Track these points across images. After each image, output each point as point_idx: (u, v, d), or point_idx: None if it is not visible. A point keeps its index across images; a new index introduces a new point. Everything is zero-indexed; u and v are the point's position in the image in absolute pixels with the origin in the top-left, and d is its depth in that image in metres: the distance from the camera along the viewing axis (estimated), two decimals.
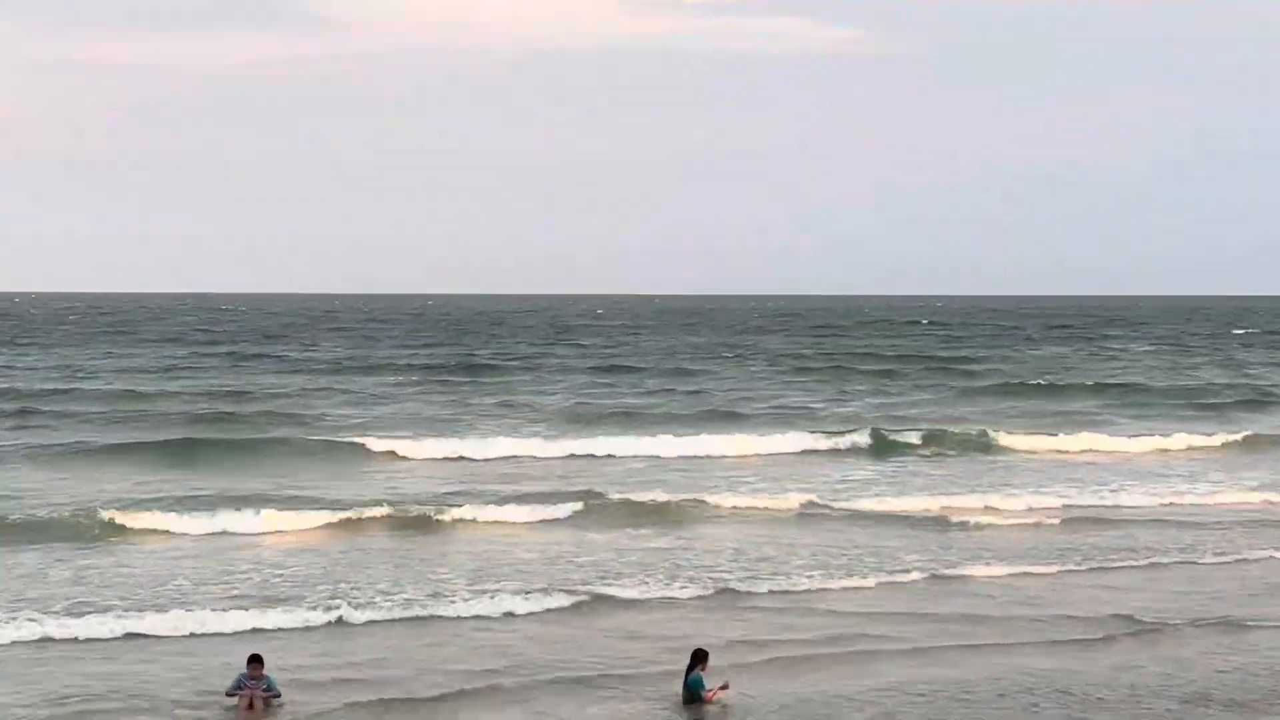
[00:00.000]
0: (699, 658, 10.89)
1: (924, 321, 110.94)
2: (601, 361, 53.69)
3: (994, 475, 23.80)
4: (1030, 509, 20.15)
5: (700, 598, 14.51)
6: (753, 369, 50.16)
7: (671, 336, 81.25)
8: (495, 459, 25.05)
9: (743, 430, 29.31)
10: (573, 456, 25.55)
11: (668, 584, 14.98)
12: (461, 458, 25.09)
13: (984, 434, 28.19)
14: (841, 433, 28.52)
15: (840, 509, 19.85)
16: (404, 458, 25.13)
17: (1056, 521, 19.15)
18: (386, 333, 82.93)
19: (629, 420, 31.65)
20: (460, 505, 19.25)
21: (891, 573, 15.68)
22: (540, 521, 18.69)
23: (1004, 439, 27.81)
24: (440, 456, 25.14)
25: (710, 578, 15.30)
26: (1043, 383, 42.70)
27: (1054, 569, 16.07)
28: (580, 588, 14.62)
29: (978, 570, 15.90)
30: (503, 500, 20.02)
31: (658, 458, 25.53)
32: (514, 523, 18.74)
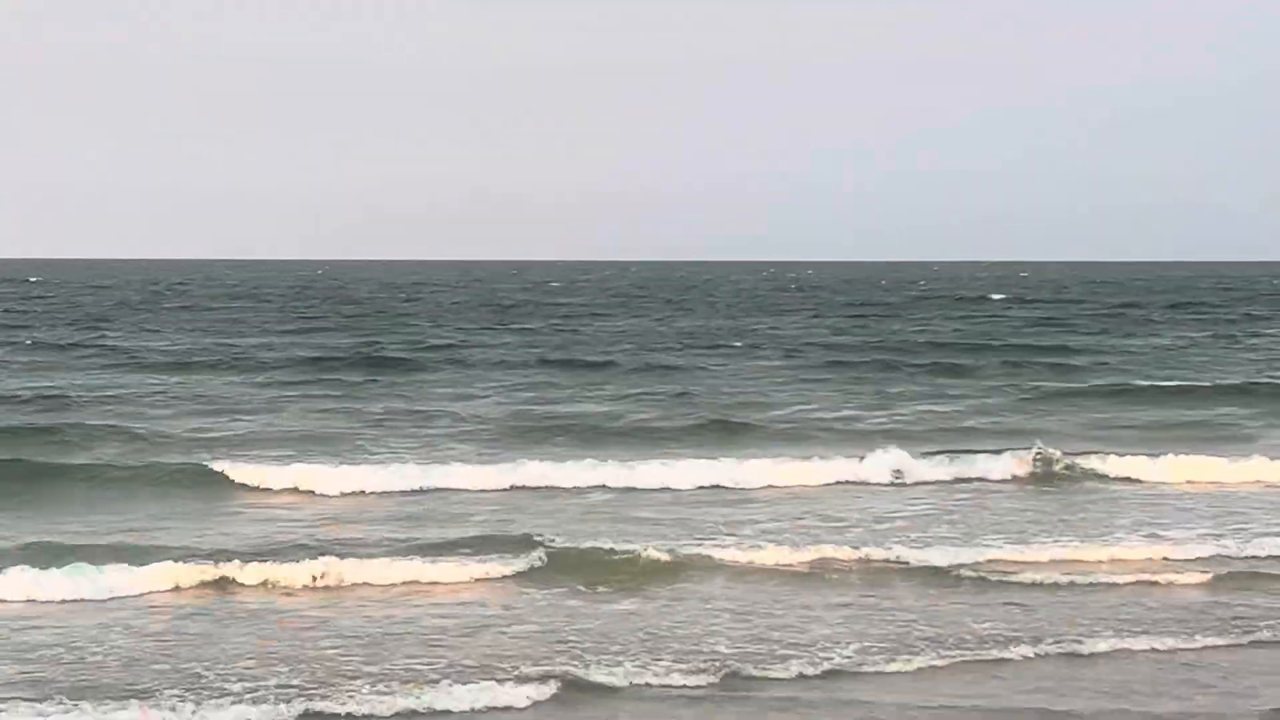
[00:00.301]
0: None
1: (995, 296, 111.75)
2: (554, 352, 53.84)
3: (1095, 512, 23.71)
4: (1164, 560, 20.08)
5: (700, 688, 14.43)
6: (764, 362, 50.46)
7: (652, 317, 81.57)
8: (402, 492, 24.89)
9: (747, 449, 29.21)
10: (511, 489, 25.35)
11: (655, 667, 14.92)
12: (356, 492, 24.84)
13: (1090, 456, 28.00)
14: (882, 451, 28.35)
15: (884, 561, 19.62)
16: (273, 490, 24.94)
17: (1207, 577, 19.11)
18: (255, 314, 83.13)
19: (591, 437, 31.54)
20: (352, 558, 19.00)
21: (974, 648, 15.61)
22: (470, 581, 18.49)
23: (1118, 464, 27.54)
24: (326, 490, 24.92)
25: (710, 657, 15.24)
26: (1169, 384, 42.84)
27: (1222, 641, 16.13)
28: (532, 669, 14.41)
29: (1108, 644, 15.94)
30: (411, 550, 19.80)
31: (631, 489, 25.38)
32: (430, 582, 18.50)
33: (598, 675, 14.59)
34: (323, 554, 19.24)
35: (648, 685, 14.46)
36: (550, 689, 14.13)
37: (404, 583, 18.45)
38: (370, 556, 19.31)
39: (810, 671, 14.91)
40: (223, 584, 18.13)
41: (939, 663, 15.34)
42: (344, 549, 19.71)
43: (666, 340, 62.26)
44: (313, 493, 24.87)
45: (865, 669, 15.10)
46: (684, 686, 14.46)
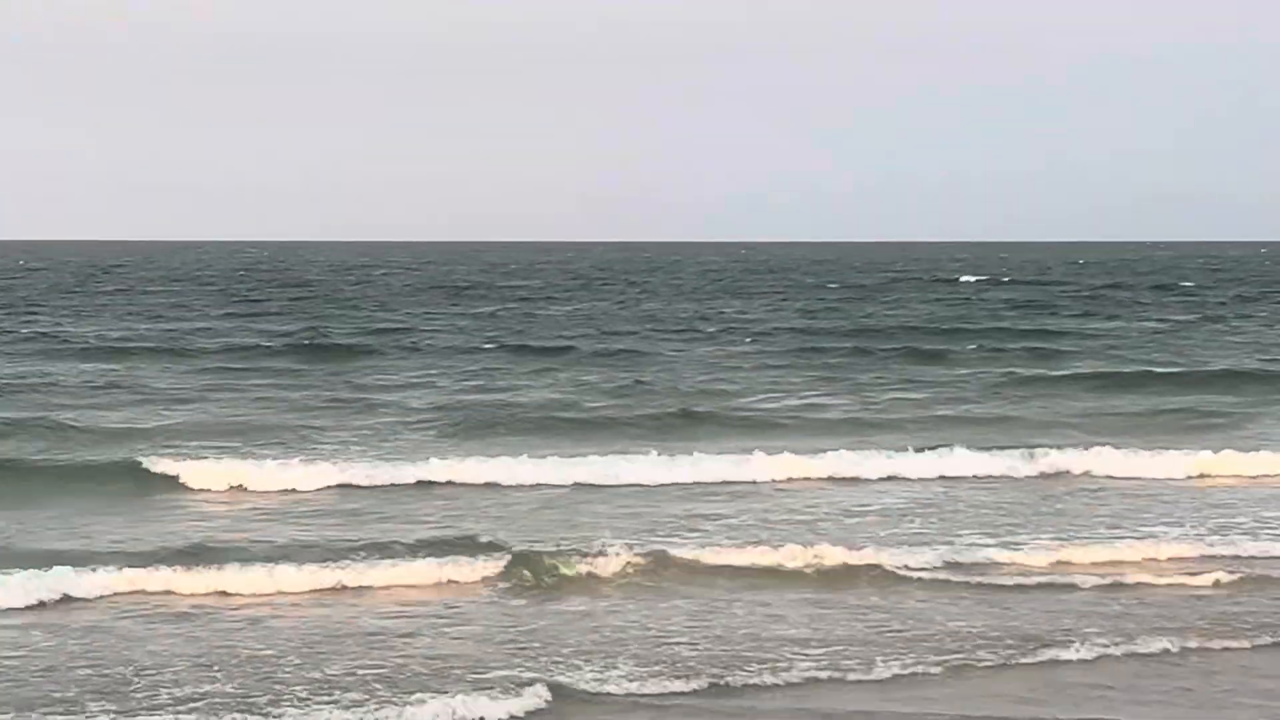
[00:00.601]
0: None
1: (968, 279, 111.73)
2: (509, 337, 53.60)
3: (1074, 506, 23.50)
4: (1147, 560, 19.87)
5: (690, 693, 14.17)
6: (731, 348, 50.25)
7: (614, 300, 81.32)
8: (345, 487, 24.43)
9: (712, 444, 28.92)
10: (463, 484, 24.91)
11: (611, 671, 14.67)
12: (294, 489, 24.38)
13: (1070, 450, 27.62)
14: (858, 447, 28.11)
15: (869, 564, 19.28)
16: (208, 487, 24.50)
17: (1189, 577, 18.86)
18: (196, 297, 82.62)
19: (546, 428, 31.22)
20: (288, 562, 18.59)
21: (951, 650, 15.38)
22: (414, 585, 18.16)
23: (1108, 458, 27.16)
24: (263, 486, 24.50)
25: (698, 663, 14.96)
26: (1163, 370, 42.77)
27: (1203, 644, 15.95)
28: (497, 674, 14.11)
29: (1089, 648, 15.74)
30: (353, 550, 19.40)
31: (587, 485, 25.03)
32: (365, 586, 18.13)
33: (562, 678, 14.32)
34: (256, 556, 18.90)
35: (609, 693, 14.13)
36: (521, 696, 13.84)
37: (341, 586, 18.06)
38: (309, 558, 18.90)
39: (771, 680, 14.61)
40: (154, 586, 17.73)
41: (911, 668, 15.04)
42: (280, 550, 19.36)
43: (628, 324, 62.05)
44: (247, 489, 24.42)
45: (832, 674, 14.79)
46: (651, 694, 14.14)
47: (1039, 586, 18.45)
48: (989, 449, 27.72)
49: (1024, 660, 15.43)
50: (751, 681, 14.58)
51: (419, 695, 13.75)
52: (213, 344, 50.03)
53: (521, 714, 13.61)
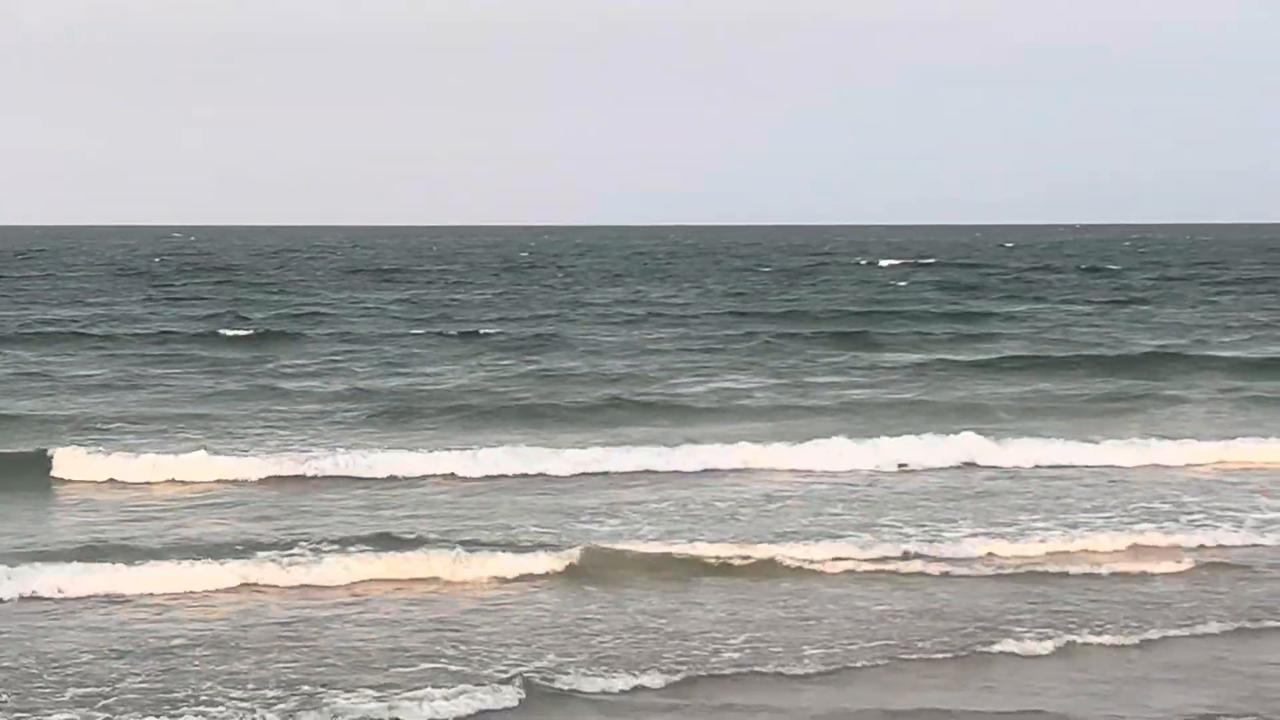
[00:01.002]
0: None
1: (891, 262, 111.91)
2: (435, 324, 53.08)
3: (999, 495, 23.16)
4: (1083, 550, 19.48)
5: (665, 688, 13.85)
6: (658, 332, 49.97)
7: (541, 284, 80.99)
8: (257, 481, 23.82)
9: (637, 430, 28.58)
10: (385, 478, 24.20)
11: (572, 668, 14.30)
12: (197, 482, 23.68)
13: (1003, 437, 27.26)
14: (784, 433, 27.72)
15: (793, 555, 18.86)
16: (105, 480, 23.74)
17: (1117, 567, 18.60)
18: (112, 282, 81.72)
19: (468, 416, 30.67)
20: (209, 559, 18.02)
21: (883, 648, 14.94)
22: (321, 586, 17.52)
23: (1033, 446, 26.76)
24: (168, 478, 23.83)
25: (635, 657, 14.61)
26: (1089, 354, 42.71)
27: (1128, 640, 15.58)
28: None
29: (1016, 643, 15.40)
30: (257, 547, 18.85)
31: (509, 475, 24.44)
32: (268, 585, 17.49)
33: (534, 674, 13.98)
34: (169, 550, 18.47)
35: (557, 689, 13.72)
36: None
37: (248, 585, 17.49)
38: (224, 553, 18.36)
39: (673, 678, 14.20)
40: (54, 582, 17.12)
41: (836, 664, 14.69)
42: (191, 545, 18.89)
43: (554, 308, 61.66)
44: (156, 481, 23.75)
45: (755, 669, 14.43)
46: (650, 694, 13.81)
47: (967, 577, 18.13)
48: (915, 434, 27.34)
49: (961, 651, 15.12)
50: (677, 680, 14.18)
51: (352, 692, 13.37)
52: (127, 330, 49.26)
53: (472, 712, 13.26)
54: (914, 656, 14.95)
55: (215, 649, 14.92)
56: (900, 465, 25.48)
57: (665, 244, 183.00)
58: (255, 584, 17.51)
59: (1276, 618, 16.34)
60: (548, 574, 18.02)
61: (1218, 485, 24.05)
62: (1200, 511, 21.82)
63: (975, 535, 20.08)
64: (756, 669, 14.50)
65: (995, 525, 20.78)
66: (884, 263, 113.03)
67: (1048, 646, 15.27)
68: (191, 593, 17.21)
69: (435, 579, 17.77)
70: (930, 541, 19.69)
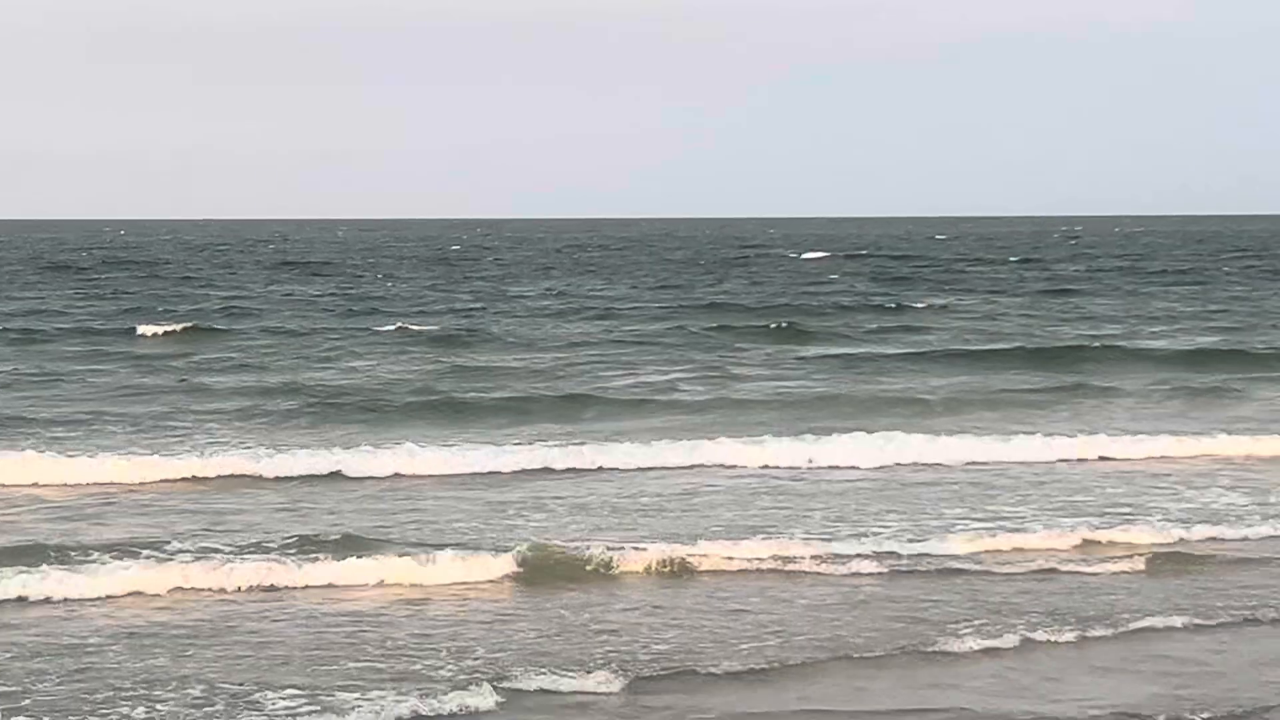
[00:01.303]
0: None
1: (813, 256, 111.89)
2: (358, 318, 52.67)
3: (927, 492, 22.90)
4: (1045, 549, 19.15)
5: (611, 695, 13.55)
6: (586, 325, 49.79)
7: (478, 277, 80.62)
8: (164, 482, 23.05)
9: (566, 425, 28.33)
10: (301, 477, 23.62)
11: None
12: (108, 483, 22.92)
13: (921, 434, 26.99)
14: (711, 426, 27.48)
15: (709, 559, 18.54)
16: (8, 484, 22.89)
17: (1041, 564, 18.40)
18: (29, 276, 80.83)
19: (386, 414, 30.14)
20: (107, 560, 17.63)
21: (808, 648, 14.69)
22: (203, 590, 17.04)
23: (961, 443, 26.50)
24: (72, 479, 23.08)
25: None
26: (1007, 348, 42.70)
27: (1048, 638, 15.32)
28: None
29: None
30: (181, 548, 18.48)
31: (424, 475, 23.96)
32: (202, 589, 17.04)
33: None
34: (78, 552, 17.97)
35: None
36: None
37: (130, 594, 16.87)
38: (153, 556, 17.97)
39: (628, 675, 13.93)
40: None
41: (766, 662, 14.47)
42: (105, 548, 18.34)
43: (484, 301, 61.36)
44: (42, 484, 22.96)
45: (689, 667, 14.17)
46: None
47: (896, 573, 17.93)
48: (842, 428, 27.21)
49: (890, 649, 14.93)
50: (613, 678, 13.90)
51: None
52: (46, 325, 48.51)
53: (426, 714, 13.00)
54: (841, 655, 14.73)
55: (132, 650, 14.59)
56: (827, 460, 25.22)
57: (598, 237, 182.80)
58: (179, 586, 17.02)
59: (1211, 613, 16.22)
60: (475, 572, 17.62)
61: (1147, 478, 23.97)
62: (1129, 506, 21.70)
63: (904, 531, 19.91)
64: (691, 667, 14.22)
65: (924, 520, 20.59)
66: (814, 255, 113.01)
67: (978, 644, 15.06)
68: (110, 596, 16.75)
69: (362, 580, 17.38)
70: (859, 537, 19.49)
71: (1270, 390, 33.91)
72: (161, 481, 23.25)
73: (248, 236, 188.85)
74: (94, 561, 17.63)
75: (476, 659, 14.44)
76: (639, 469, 24.51)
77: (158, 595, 16.80)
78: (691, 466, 24.69)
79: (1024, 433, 27.46)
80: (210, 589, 17.06)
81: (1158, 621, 15.89)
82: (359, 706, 13.00)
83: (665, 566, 18.01)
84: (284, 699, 13.21)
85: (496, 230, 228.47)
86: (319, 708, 13.00)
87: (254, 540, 18.88)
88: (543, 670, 14.05)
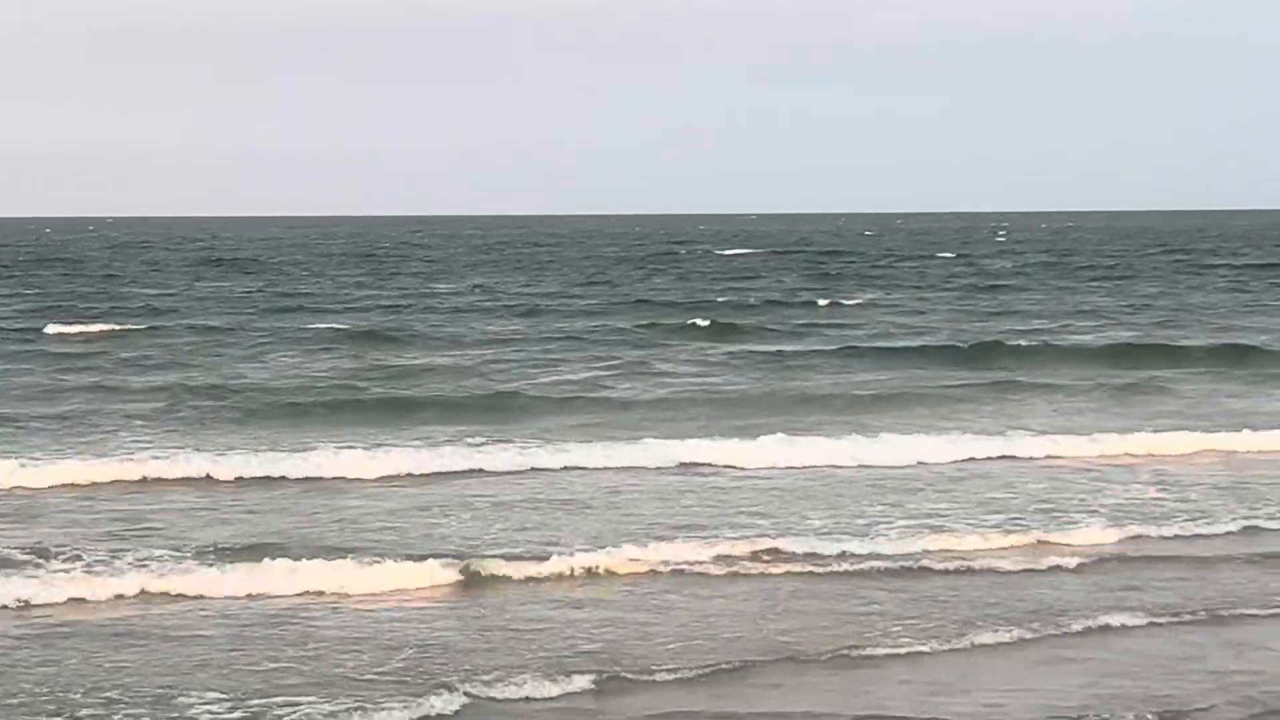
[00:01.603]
0: None
1: (740, 252, 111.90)
2: (278, 316, 52.37)
3: (840, 490, 22.75)
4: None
5: (575, 694, 13.39)
6: (506, 324, 49.64)
7: (407, 274, 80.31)
8: (61, 487, 22.28)
9: (489, 426, 28.06)
10: (199, 478, 23.16)
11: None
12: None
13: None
14: (610, 425, 27.29)
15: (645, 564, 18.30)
16: None
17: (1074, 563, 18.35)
18: None
19: (312, 410, 29.96)
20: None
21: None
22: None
23: (867, 444, 26.16)
24: None
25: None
26: (948, 343, 42.74)
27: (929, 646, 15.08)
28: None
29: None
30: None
31: (341, 478, 23.42)
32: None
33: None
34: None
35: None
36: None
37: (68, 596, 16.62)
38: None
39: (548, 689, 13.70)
40: None
41: (691, 666, 14.26)
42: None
43: (408, 299, 61.08)
44: None
45: (619, 673, 13.96)
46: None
47: (818, 574, 17.79)
48: (767, 426, 27.20)
49: (812, 653, 14.78)
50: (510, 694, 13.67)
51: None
52: None
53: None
54: (770, 656, 14.57)
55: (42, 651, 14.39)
56: (752, 459, 25.06)
57: (529, 234, 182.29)
58: (81, 598, 16.56)
59: (1143, 611, 16.15)
60: (401, 577, 17.34)
61: (1071, 474, 23.99)
62: (1055, 502, 21.69)
63: (830, 529, 19.77)
64: (618, 672, 14.06)
65: (850, 519, 20.46)
66: (738, 251, 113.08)
67: (902, 646, 14.93)
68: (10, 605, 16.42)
69: (282, 586, 17.03)
70: (786, 536, 19.30)
71: (1191, 385, 34.13)
72: (67, 485, 22.67)
73: (176, 234, 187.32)
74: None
75: (402, 662, 14.30)
76: (563, 468, 24.30)
77: (56, 604, 16.36)
78: (621, 468, 24.41)
79: (951, 429, 27.53)
80: (118, 596, 16.66)
81: (1088, 621, 15.83)
82: (282, 713, 12.84)
83: (592, 567, 17.88)
84: (205, 703, 13.06)
85: (426, 227, 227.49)
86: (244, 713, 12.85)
87: (169, 544, 18.64)
88: (474, 674, 13.86)
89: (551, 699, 13.50)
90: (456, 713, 13.08)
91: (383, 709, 12.98)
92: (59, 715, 12.82)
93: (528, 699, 13.48)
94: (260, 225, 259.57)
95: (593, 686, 13.73)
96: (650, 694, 13.63)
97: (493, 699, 13.43)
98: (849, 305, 57.94)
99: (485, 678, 13.80)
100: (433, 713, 13.01)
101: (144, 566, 17.48)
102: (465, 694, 13.46)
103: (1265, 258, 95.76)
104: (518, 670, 14.04)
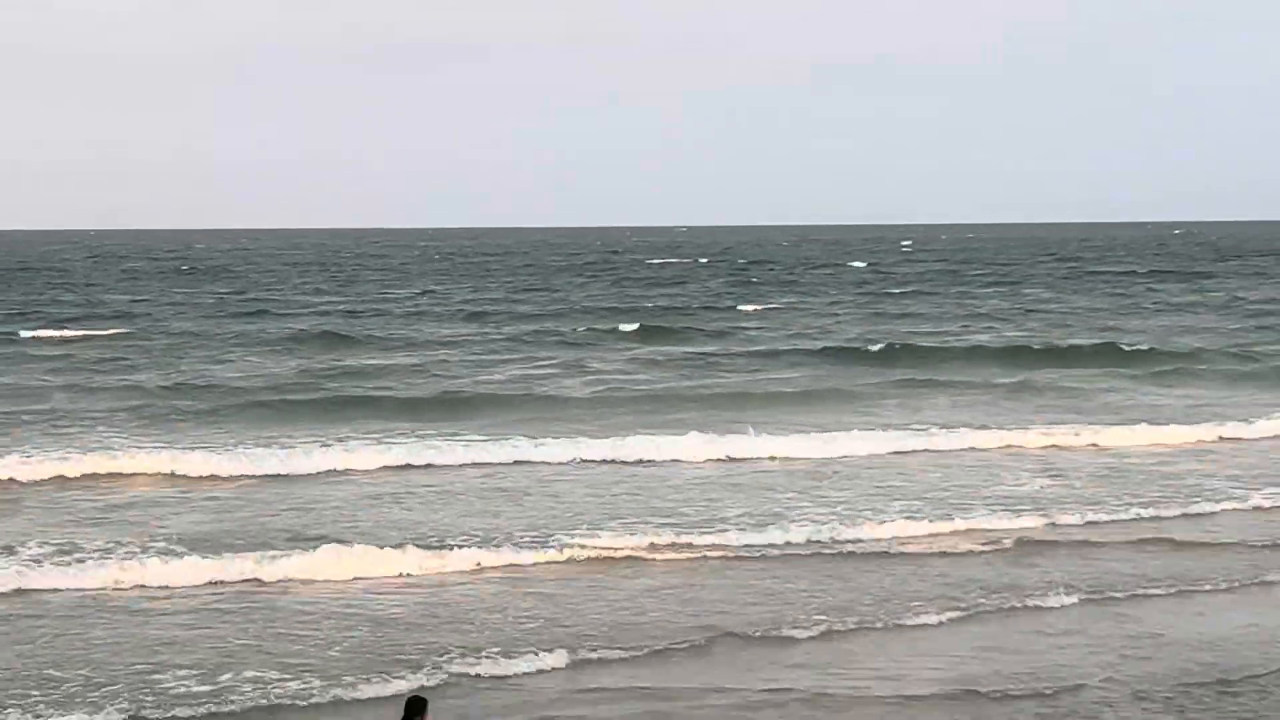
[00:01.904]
0: (416, 709, 9.68)
1: (667, 260, 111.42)
2: (242, 321, 51.74)
3: (759, 484, 22.70)
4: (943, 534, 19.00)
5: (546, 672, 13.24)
6: (457, 329, 49.17)
7: (363, 282, 79.71)
8: (35, 483, 21.70)
9: (429, 425, 27.73)
10: (155, 474, 22.64)
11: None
12: None
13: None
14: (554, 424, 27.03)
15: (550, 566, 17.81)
16: None
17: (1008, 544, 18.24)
18: None
19: (272, 410, 29.42)
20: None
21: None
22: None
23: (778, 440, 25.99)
24: None
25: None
26: (857, 346, 42.61)
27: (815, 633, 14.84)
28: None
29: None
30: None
31: (296, 475, 22.80)
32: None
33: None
34: None
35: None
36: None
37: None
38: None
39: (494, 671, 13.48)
40: None
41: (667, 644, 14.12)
42: None
43: (362, 305, 60.45)
44: None
45: (571, 660, 13.73)
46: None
47: (742, 559, 17.59)
48: (692, 423, 27.03)
49: (726, 631, 14.61)
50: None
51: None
52: None
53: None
54: (682, 644, 14.28)
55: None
56: (677, 453, 24.84)
57: (479, 245, 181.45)
58: (30, 588, 16.12)
59: (1045, 595, 16.03)
60: (365, 564, 17.07)
61: (965, 468, 23.83)
62: (956, 492, 21.57)
63: (748, 518, 19.59)
64: (569, 645, 13.98)
65: (767, 508, 20.28)
66: (668, 260, 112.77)
67: (816, 628, 14.74)
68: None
69: (247, 572, 16.66)
70: (709, 524, 19.15)
71: (1076, 382, 34.20)
72: (52, 480, 22.10)
73: (151, 245, 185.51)
74: None
75: (360, 640, 14.06)
76: (502, 463, 23.89)
77: (36, 590, 16.03)
78: (561, 462, 24.04)
79: (860, 424, 27.47)
80: (91, 582, 16.31)
81: (991, 602, 15.72)
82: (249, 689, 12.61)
83: (534, 552, 17.65)
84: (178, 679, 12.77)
85: (384, 239, 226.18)
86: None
87: (139, 534, 18.32)
88: (433, 652, 13.73)
89: (513, 676, 13.34)
90: (424, 687, 12.82)
91: (347, 685, 12.84)
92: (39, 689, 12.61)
93: (488, 675, 13.31)
94: (232, 236, 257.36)
95: (539, 665, 13.58)
96: (589, 671, 13.48)
97: (462, 675, 13.27)
98: (766, 309, 57.75)
99: (450, 655, 13.67)
100: (403, 689, 12.74)
101: (111, 555, 17.18)
102: (432, 668, 13.30)
103: (1145, 265, 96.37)
104: (467, 650, 13.86)
